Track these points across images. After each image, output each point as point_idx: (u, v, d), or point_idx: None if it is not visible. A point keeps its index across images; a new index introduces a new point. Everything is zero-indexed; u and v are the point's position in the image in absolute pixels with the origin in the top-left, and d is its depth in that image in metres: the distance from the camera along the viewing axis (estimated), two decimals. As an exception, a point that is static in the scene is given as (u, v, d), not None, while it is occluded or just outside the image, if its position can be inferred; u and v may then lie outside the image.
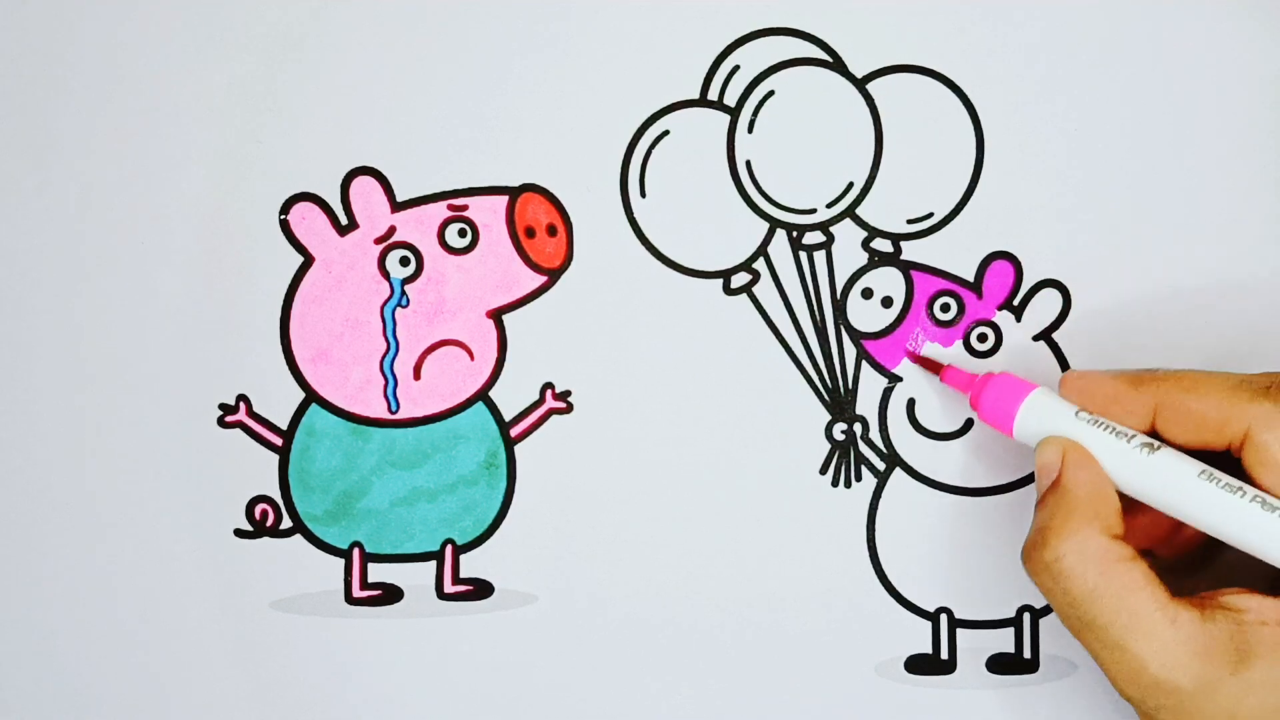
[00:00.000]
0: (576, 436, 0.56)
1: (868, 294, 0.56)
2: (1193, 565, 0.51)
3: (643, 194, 0.56)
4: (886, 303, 0.56)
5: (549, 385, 0.56)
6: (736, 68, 0.56)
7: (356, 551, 0.56)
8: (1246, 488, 0.47)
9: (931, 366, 0.55)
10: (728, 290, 0.56)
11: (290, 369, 0.56)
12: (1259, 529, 0.47)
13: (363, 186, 0.56)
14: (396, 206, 0.56)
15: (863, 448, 0.56)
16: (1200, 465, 0.48)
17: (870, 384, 0.56)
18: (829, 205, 0.56)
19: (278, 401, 0.56)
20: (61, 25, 0.55)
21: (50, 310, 0.56)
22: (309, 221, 0.56)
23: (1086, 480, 0.48)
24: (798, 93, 0.56)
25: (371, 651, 0.56)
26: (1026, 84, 0.56)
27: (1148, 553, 0.50)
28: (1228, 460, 0.49)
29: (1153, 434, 0.50)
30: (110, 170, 0.55)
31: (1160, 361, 0.55)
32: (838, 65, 0.56)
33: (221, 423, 0.56)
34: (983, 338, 0.56)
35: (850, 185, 0.56)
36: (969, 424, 0.56)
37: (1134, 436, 0.49)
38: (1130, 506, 0.50)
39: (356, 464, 0.56)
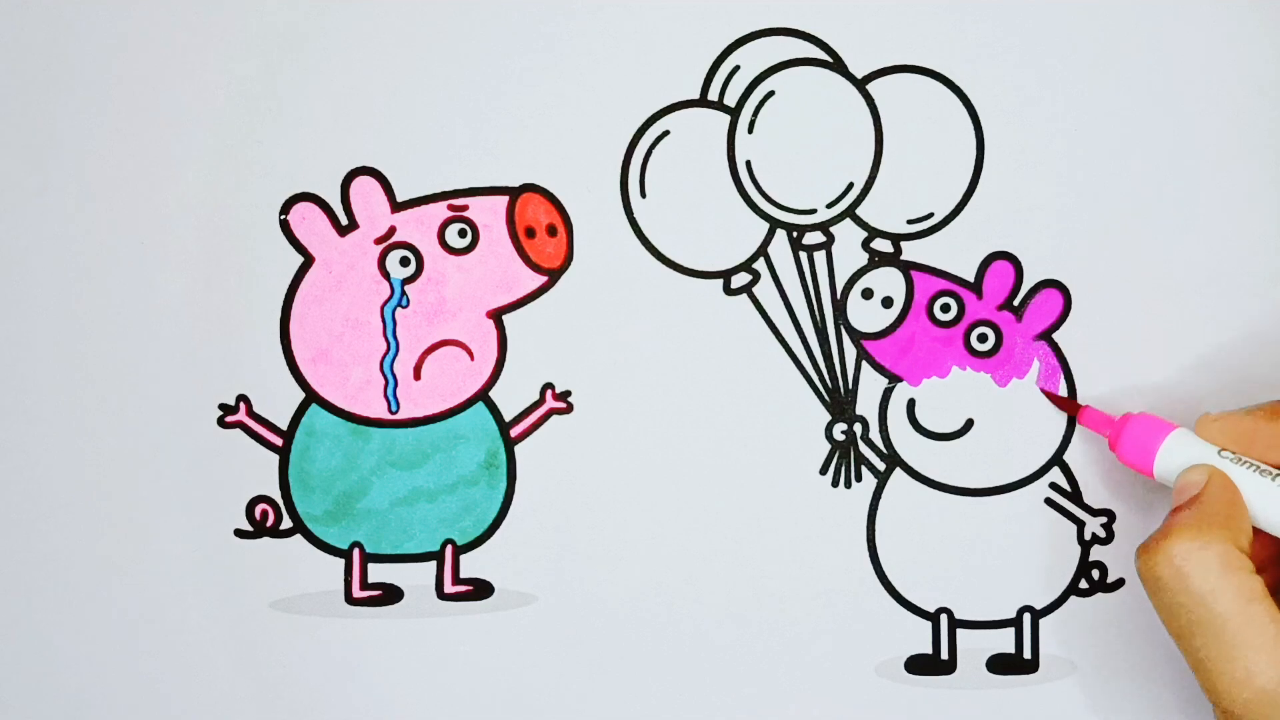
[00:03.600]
0: (576, 436, 0.56)
1: (868, 294, 0.56)
2: None
3: (643, 194, 0.56)
4: (886, 303, 0.56)
5: (549, 385, 0.56)
6: (736, 68, 0.56)
7: (356, 551, 0.56)
8: None
9: (1069, 407, 0.55)
10: (728, 290, 0.56)
11: (290, 369, 0.56)
12: None
13: (363, 186, 0.56)
14: (396, 206, 0.56)
15: (863, 448, 0.56)
16: None
17: (870, 384, 0.56)
18: (829, 205, 0.56)
19: (278, 401, 0.56)
20: (61, 25, 0.55)
21: (50, 310, 0.56)
22: (309, 221, 0.56)
23: (1226, 499, 0.49)
24: (798, 93, 0.56)
25: (371, 651, 0.56)
26: (1026, 84, 0.56)
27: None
28: None
29: None
30: (110, 170, 0.55)
31: (1162, 362, 0.55)
32: (838, 65, 0.56)
33: (221, 423, 0.56)
34: (983, 338, 0.56)
35: (850, 185, 0.56)
36: (969, 424, 0.56)
37: (1278, 475, 0.49)
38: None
39: (356, 464, 0.56)
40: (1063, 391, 0.56)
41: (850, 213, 0.56)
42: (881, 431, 0.56)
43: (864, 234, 0.56)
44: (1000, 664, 0.56)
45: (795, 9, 0.56)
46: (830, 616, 0.56)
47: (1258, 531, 0.50)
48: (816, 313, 0.56)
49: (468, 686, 0.56)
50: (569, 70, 0.56)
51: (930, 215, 0.56)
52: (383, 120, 0.56)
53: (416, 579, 0.56)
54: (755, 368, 0.56)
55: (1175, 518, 0.49)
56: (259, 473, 0.56)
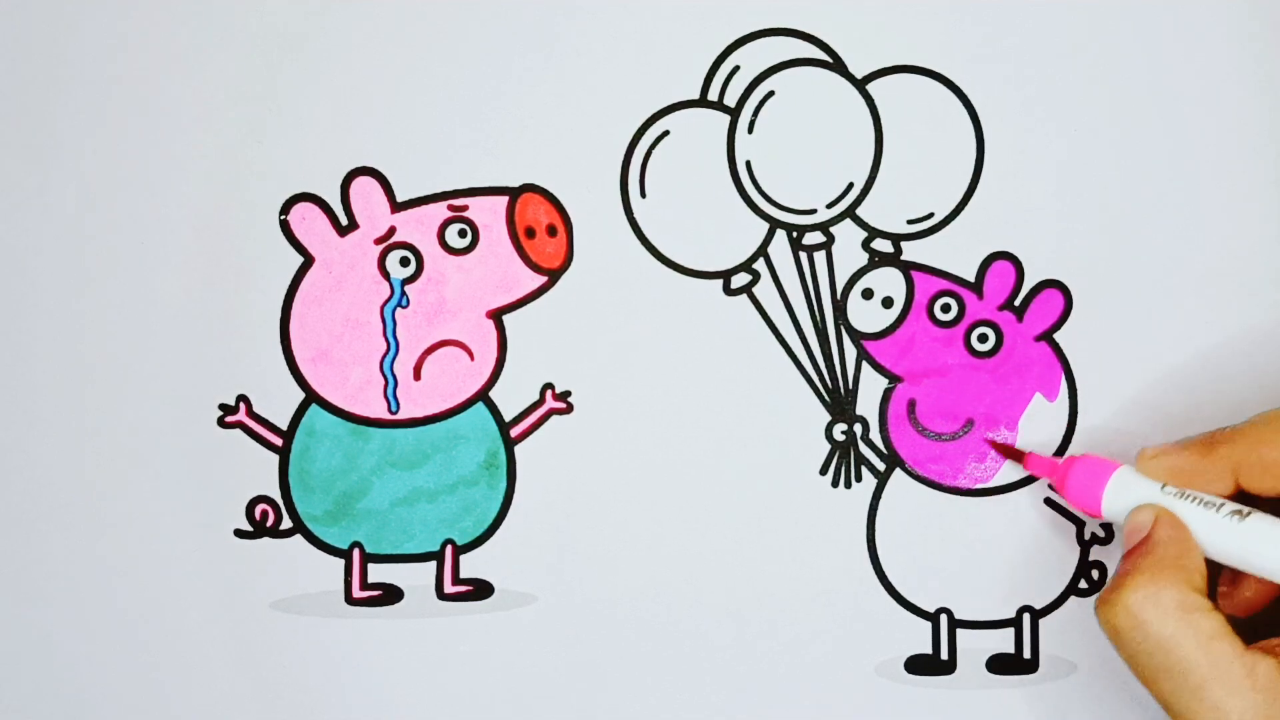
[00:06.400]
0: (576, 436, 0.56)
1: (868, 294, 0.56)
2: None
3: (643, 194, 0.56)
4: (887, 303, 0.56)
5: (549, 385, 0.56)
6: (736, 68, 0.56)
7: (356, 552, 0.56)
8: None
9: (1013, 455, 0.55)
10: (728, 290, 0.56)
11: (290, 369, 0.56)
12: None
13: (363, 186, 0.56)
14: (396, 207, 0.56)
15: (863, 448, 0.56)
16: None
17: (870, 384, 0.56)
18: (829, 205, 0.56)
19: (278, 401, 0.56)
20: (61, 25, 0.55)
21: (50, 310, 0.56)
22: (309, 221, 0.56)
23: (1174, 539, 0.49)
24: (798, 93, 0.56)
25: (371, 651, 0.56)
26: (1026, 84, 0.56)
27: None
28: None
29: (1239, 493, 0.50)
30: (110, 170, 0.55)
31: (1162, 362, 0.55)
32: (838, 65, 0.56)
33: (221, 423, 0.56)
34: (983, 338, 0.56)
35: (850, 185, 0.56)
36: (969, 424, 0.56)
37: (1222, 505, 0.49)
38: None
39: (356, 464, 0.56)
40: (1063, 393, 0.56)
41: (850, 213, 0.56)
42: (881, 431, 0.56)
43: (864, 234, 0.56)
44: (1000, 664, 0.56)
45: (795, 9, 0.56)
46: (830, 616, 0.56)
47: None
48: (816, 313, 0.56)
49: (468, 686, 0.56)
50: (569, 70, 0.56)
51: (930, 215, 0.56)
52: (383, 120, 0.56)
53: (416, 579, 0.56)
54: (755, 368, 0.56)
55: (1126, 565, 0.49)
56: (259, 473, 0.56)
